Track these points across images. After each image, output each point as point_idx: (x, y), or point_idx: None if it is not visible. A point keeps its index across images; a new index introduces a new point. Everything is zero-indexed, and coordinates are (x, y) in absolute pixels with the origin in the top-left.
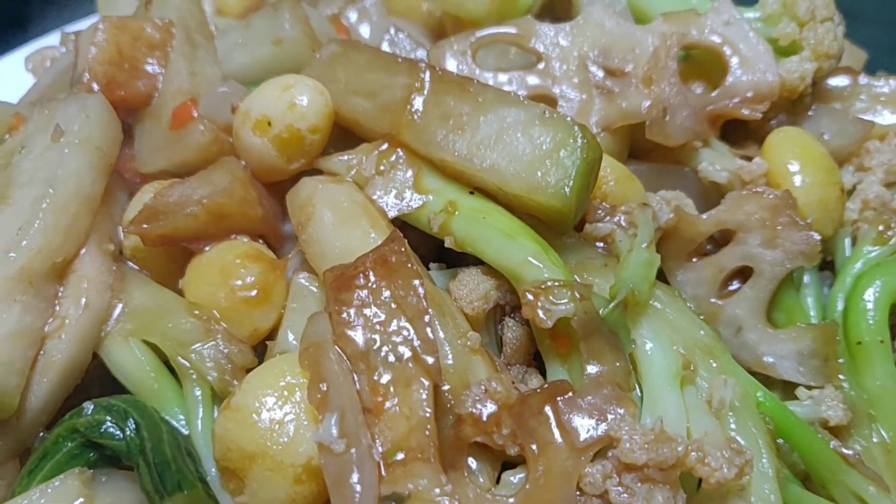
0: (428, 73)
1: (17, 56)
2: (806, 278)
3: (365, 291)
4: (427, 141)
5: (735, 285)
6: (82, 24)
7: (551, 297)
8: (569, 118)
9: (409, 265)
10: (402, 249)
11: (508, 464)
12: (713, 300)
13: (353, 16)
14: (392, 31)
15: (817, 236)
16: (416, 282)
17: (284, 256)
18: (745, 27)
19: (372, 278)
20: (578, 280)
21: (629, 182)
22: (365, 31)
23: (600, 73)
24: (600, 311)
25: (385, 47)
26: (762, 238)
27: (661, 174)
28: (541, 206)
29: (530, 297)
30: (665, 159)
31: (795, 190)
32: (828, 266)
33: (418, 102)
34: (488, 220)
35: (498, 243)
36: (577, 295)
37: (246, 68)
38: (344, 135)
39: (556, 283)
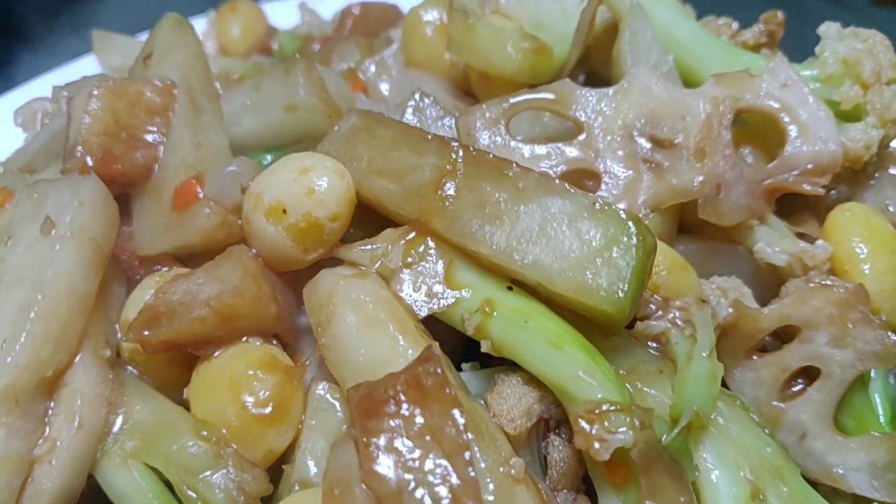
0: (461, 154)
1: (4, 104)
2: (872, 372)
3: (397, 420)
4: (460, 230)
5: (798, 385)
6: (75, 66)
7: (607, 424)
8: (621, 211)
9: (447, 390)
10: (439, 371)
11: None
12: (775, 403)
13: (370, 69)
14: (417, 96)
15: (893, 337)
16: (456, 412)
17: (300, 353)
18: (804, 90)
19: (404, 404)
20: (631, 390)
21: (683, 272)
22: (385, 88)
23: (648, 145)
24: (662, 439)
25: (409, 114)
26: (831, 336)
27: (712, 254)
28: (590, 309)
29: (584, 424)
30: (716, 236)
31: (864, 278)
32: None
33: (450, 187)
34: (531, 325)
35: (543, 353)
36: (638, 422)
37: (255, 134)
38: (366, 213)
39: (613, 408)
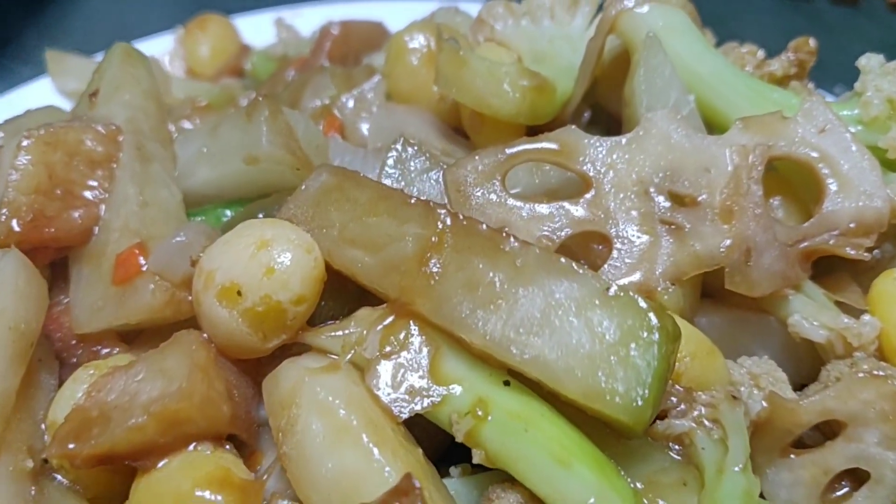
0: (449, 223)
1: None
2: None
3: None
4: (448, 315)
5: (843, 489)
6: (24, 92)
7: None
8: (640, 299)
9: None
10: None
11: None
12: None
13: (348, 105)
14: (399, 145)
15: None
16: None
17: (260, 452)
18: (845, 136)
19: None
20: None
21: (709, 358)
22: (364, 127)
23: (666, 204)
24: None
25: (390, 165)
26: (883, 435)
27: (739, 326)
28: (603, 416)
29: None
30: (743, 304)
31: None
32: None
33: (436, 262)
34: (532, 434)
35: (547, 471)
36: None
37: (213, 185)
38: (342, 281)
39: None
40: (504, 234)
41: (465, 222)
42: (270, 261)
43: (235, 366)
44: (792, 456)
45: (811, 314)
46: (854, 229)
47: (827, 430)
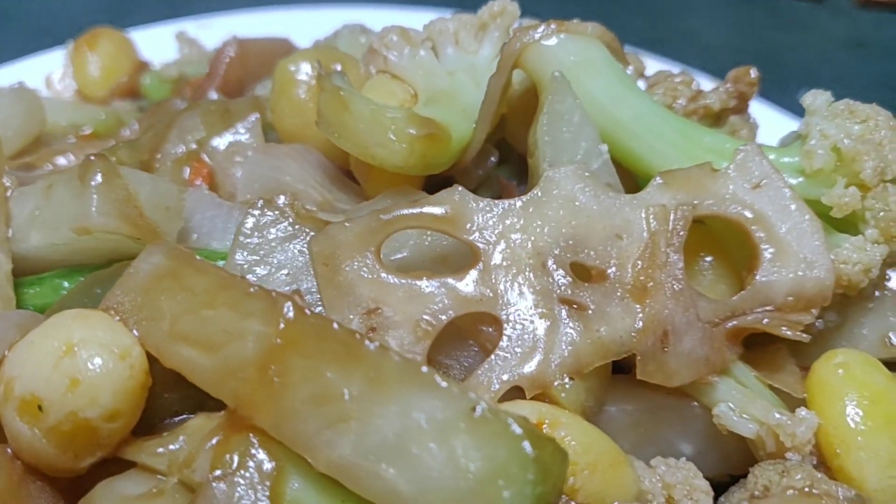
0: (292, 317)
1: None
2: None
3: None
4: (291, 433)
5: None
6: None
7: None
8: (513, 423)
9: None
10: None
11: None
12: None
13: (220, 147)
14: (257, 211)
15: None
16: None
17: None
18: (783, 192)
19: None
20: None
21: (613, 470)
22: (237, 173)
23: (567, 280)
24: None
25: (246, 232)
26: None
27: (657, 413)
28: None
29: None
30: (663, 388)
31: (864, 468)
32: None
33: (279, 369)
34: None
35: None
36: None
37: (48, 253)
38: None
39: None
40: (358, 337)
41: (313, 319)
42: (76, 370)
43: (47, 485)
44: None
45: (740, 404)
46: (792, 303)
47: None
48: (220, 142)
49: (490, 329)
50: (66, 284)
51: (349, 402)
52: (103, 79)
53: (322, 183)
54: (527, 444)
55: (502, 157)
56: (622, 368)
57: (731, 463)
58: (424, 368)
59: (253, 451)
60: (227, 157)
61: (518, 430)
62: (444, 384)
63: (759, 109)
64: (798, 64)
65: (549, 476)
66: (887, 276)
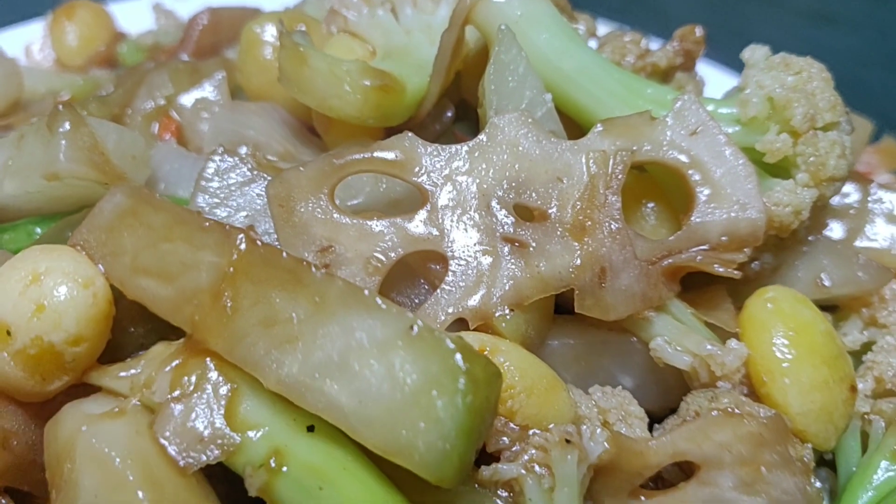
0: (244, 248)
1: None
2: None
3: None
4: (243, 355)
5: None
6: None
7: None
8: (447, 339)
9: None
10: None
11: None
12: None
13: (187, 104)
14: (217, 157)
15: (818, 483)
16: None
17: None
18: (718, 139)
19: None
20: None
21: (549, 393)
22: (204, 128)
23: (509, 220)
24: None
25: (207, 177)
26: (738, 480)
27: (598, 347)
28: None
29: None
30: (604, 324)
31: (786, 395)
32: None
33: (231, 295)
34: (326, 493)
35: None
36: None
37: (21, 200)
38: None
39: None
40: (305, 265)
41: (263, 250)
42: (41, 297)
43: (20, 408)
44: (642, 498)
45: (675, 338)
46: (725, 243)
47: (686, 466)
48: (188, 98)
49: (438, 267)
50: (38, 230)
51: (296, 325)
52: (81, 48)
53: (286, 137)
54: (458, 357)
55: (460, 114)
56: (568, 310)
57: (671, 396)
58: (366, 292)
59: (209, 373)
60: (194, 112)
61: (451, 345)
62: (384, 305)
63: (719, 76)
64: (766, 38)
65: (480, 387)
66: (823, 222)
